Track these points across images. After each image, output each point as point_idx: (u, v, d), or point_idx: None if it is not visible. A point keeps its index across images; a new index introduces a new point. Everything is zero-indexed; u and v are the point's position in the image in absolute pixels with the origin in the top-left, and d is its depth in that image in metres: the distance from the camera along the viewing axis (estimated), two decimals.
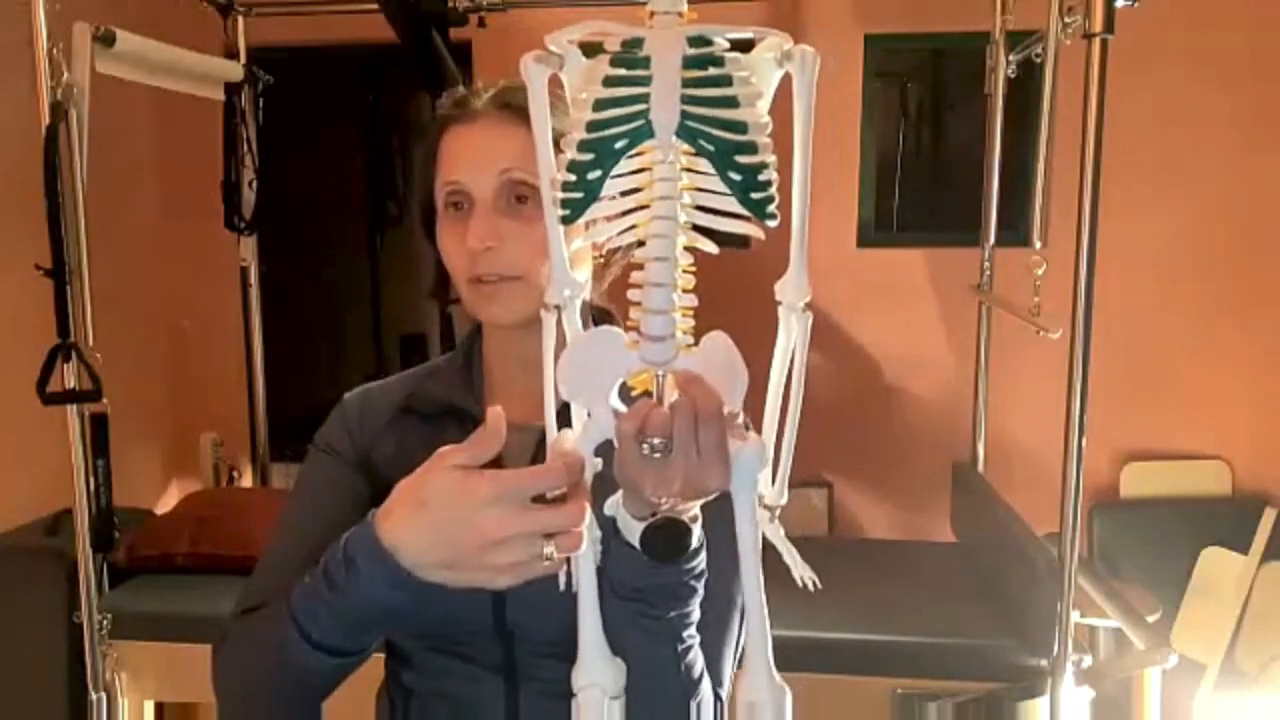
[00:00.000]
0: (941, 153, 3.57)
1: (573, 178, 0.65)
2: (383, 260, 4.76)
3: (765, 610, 0.70)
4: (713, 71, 0.63)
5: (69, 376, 2.03)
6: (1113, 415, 3.03)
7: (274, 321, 3.20)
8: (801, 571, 0.78)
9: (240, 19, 2.86)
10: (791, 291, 0.70)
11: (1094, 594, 2.14)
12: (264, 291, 3.09)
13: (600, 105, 0.64)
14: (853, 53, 3.25)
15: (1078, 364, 1.87)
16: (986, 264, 2.69)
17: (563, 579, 0.74)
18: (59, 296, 2.01)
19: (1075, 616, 1.94)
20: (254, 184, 2.89)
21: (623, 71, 0.64)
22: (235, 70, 2.78)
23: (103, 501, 2.09)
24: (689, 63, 0.63)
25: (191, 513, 2.54)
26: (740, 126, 0.63)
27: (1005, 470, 2.78)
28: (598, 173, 0.65)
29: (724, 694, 0.88)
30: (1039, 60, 2.16)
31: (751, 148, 0.64)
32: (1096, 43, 1.78)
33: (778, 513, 0.74)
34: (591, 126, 0.64)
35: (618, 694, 0.73)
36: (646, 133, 0.63)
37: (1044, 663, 1.98)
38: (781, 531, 0.74)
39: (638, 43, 0.64)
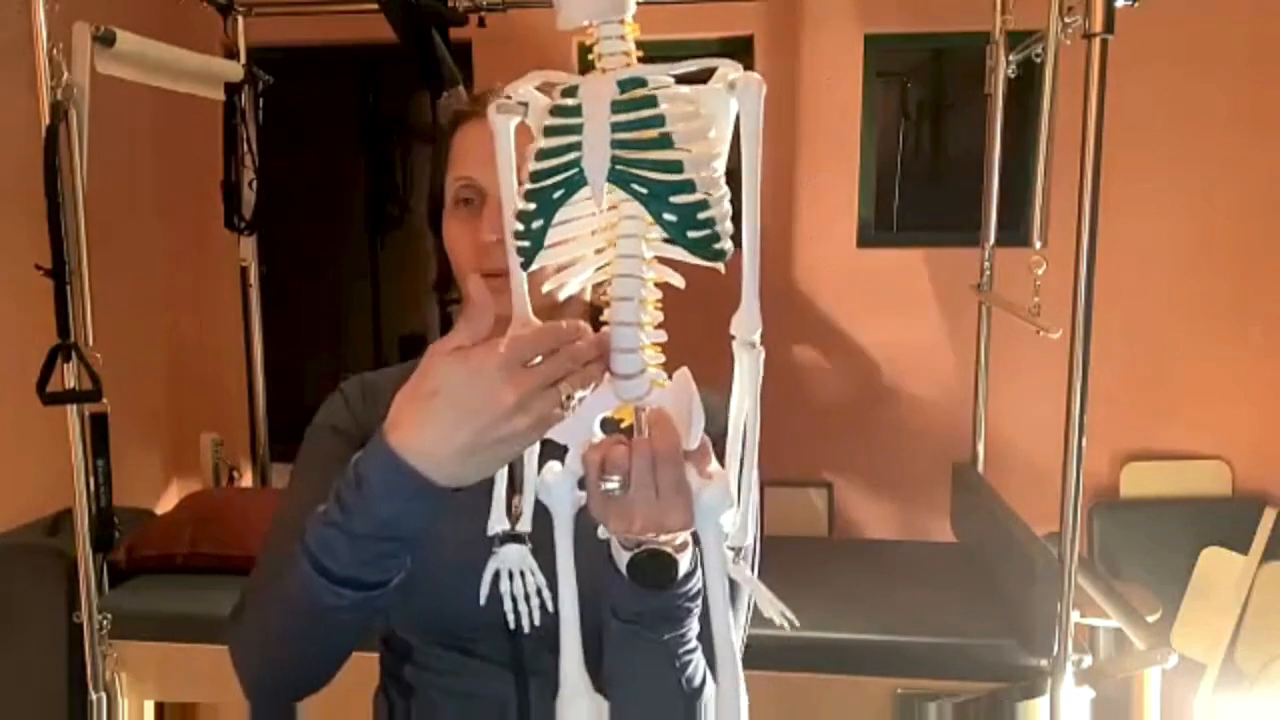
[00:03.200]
0: (941, 153, 3.57)
1: (521, 227, 0.66)
2: (383, 260, 4.76)
3: (737, 653, 0.70)
4: (644, 113, 0.62)
5: (69, 376, 2.03)
6: (1113, 415, 3.03)
7: (274, 321, 3.20)
8: (774, 610, 0.77)
9: (240, 19, 2.86)
10: (744, 327, 0.68)
11: (1094, 594, 2.14)
12: (264, 291, 3.09)
13: (540, 155, 0.65)
14: (853, 53, 3.25)
15: (1078, 364, 1.87)
16: (986, 264, 2.69)
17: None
18: (59, 296, 2.01)
19: (1075, 616, 1.94)
20: (254, 184, 2.89)
21: (559, 120, 0.64)
22: (235, 70, 2.78)
23: (103, 501, 2.09)
24: (618, 107, 0.63)
25: (191, 513, 2.53)
26: (674, 166, 0.62)
27: (1005, 470, 2.78)
28: (540, 221, 0.65)
29: None
30: (1039, 60, 2.16)
31: (688, 186, 0.62)
32: (1096, 43, 1.78)
33: (743, 553, 0.73)
34: (533, 176, 0.65)
35: None
36: (580, 180, 0.63)
37: (1044, 663, 1.98)
38: (748, 571, 0.74)
39: (572, 90, 0.64)
